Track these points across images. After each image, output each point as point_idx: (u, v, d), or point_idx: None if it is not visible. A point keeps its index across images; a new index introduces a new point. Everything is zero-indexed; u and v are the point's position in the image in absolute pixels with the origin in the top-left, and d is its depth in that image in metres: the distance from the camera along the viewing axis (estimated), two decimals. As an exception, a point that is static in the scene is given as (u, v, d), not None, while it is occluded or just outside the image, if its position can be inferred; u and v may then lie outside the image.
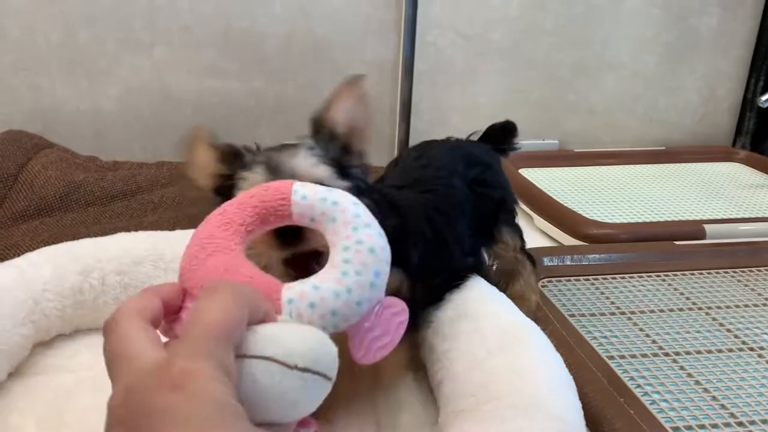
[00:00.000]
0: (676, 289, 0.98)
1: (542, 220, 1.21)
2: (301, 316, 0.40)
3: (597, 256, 1.04)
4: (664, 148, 1.63)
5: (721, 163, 1.58)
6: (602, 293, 0.96)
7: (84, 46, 1.39)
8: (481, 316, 0.69)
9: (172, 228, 0.88)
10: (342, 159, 0.62)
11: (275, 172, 0.57)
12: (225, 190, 0.59)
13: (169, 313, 0.39)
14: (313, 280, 0.41)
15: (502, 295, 0.75)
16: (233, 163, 0.61)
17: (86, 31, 1.38)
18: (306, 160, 0.59)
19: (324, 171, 0.59)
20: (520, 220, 1.27)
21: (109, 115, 1.45)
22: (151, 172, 1.24)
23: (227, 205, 0.45)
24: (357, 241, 0.42)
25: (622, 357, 0.80)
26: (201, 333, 0.33)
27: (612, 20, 1.55)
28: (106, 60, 1.41)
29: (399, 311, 0.43)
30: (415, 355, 0.79)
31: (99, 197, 1.11)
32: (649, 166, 1.56)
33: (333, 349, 0.37)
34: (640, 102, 1.64)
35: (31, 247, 0.82)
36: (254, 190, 0.45)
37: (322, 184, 0.52)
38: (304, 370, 0.35)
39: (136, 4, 1.38)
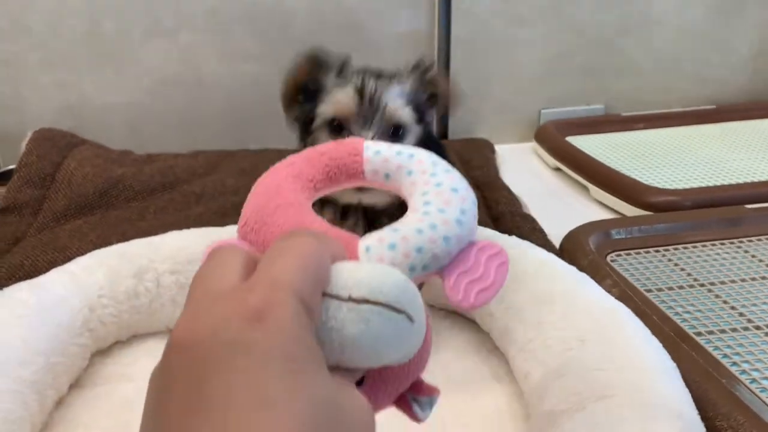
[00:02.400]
0: (754, 256, 0.92)
1: (599, 190, 1.16)
2: (381, 260, 0.35)
3: (665, 225, 0.98)
4: (714, 106, 1.55)
5: (776, 120, 1.50)
6: (676, 264, 0.90)
7: (110, 37, 1.35)
8: (565, 299, 0.65)
9: (221, 217, 0.84)
10: (424, 104, 0.67)
11: (362, 96, 0.60)
12: (310, 95, 0.65)
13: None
14: (391, 225, 0.37)
15: (583, 275, 0.70)
16: (321, 75, 0.65)
17: (111, 22, 1.34)
18: (396, 97, 0.62)
19: (408, 114, 0.63)
20: (576, 193, 1.22)
21: (140, 106, 1.41)
22: (187, 162, 1.20)
23: (296, 158, 0.42)
24: (437, 184, 0.39)
25: (711, 333, 0.75)
26: (283, 266, 0.28)
27: (656, -26, 1.47)
28: (133, 50, 1.37)
29: (497, 253, 0.38)
30: (484, 340, 0.75)
31: (139, 192, 1.08)
32: (701, 126, 1.48)
33: (402, 279, 0.32)
34: (688, 60, 1.56)
35: (81, 249, 0.79)
36: (324, 147, 0.42)
37: (401, 125, 0.62)
38: (361, 301, 0.30)
39: (159, -11, 1.33)
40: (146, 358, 0.74)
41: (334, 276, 0.31)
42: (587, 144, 1.36)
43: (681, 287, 0.85)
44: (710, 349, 0.71)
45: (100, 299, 0.71)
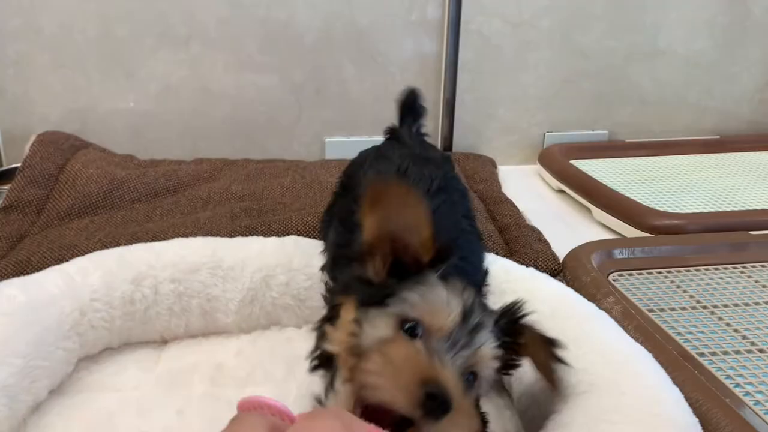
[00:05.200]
0: (757, 282, 0.91)
1: (602, 212, 1.16)
2: None
3: (668, 248, 0.98)
4: (718, 137, 1.56)
5: (779, 152, 1.51)
6: (678, 286, 0.90)
7: (121, 42, 1.36)
8: (578, 341, 0.61)
9: (230, 221, 0.83)
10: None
11: (465, 320, 0.46)
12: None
13: None
14: None
15: (603, 314, 0.68)
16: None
17: (123, 27, 1.35)
18: (493, 339, 0.47)
19: (495, 364, 0.48)
20: (579, 214, 1.22)
21: (145, 112, 1.41)
22: (191, 167, 1.21)
23: None
24: None
25: (714, 354, 0.74)
26: None
27: (664, 4, 1.48)
28: (143, 56, 1.37)
29: None
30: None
31: (143, 194, 1.08)
32: (704, 156, 1.49)
33: None
34: (694, 89, 1.57)
35: (89, 247, 0.78)
36: None
37: (479, 374, 0.46)
38: None
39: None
40: (135, 368, 0.71)
41: None
42: (591, 168, 1.37)
43: (684, 308, 0.84)
44: (713, 370, 0.70)
45: (93, 303, 0.69)
